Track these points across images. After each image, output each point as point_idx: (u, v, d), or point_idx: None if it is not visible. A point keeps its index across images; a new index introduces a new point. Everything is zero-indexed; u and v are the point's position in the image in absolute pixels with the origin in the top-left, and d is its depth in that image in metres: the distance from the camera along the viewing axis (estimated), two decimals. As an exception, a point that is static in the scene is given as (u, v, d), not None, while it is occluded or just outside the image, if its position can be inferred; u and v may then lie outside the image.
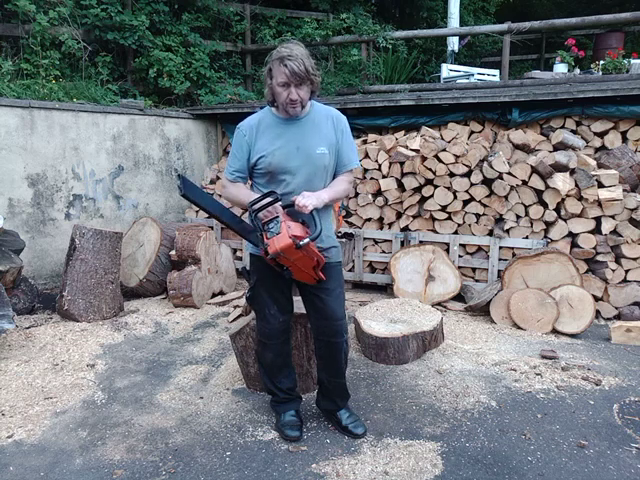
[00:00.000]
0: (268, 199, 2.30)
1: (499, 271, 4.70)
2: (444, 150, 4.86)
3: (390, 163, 5.13)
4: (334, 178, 2.55)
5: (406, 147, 5.18)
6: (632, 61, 6.54)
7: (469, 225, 4.86)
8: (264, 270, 2.54)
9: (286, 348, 2.75)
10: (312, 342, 2.95)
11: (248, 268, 2.68)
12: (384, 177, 5.15)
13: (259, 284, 2.59)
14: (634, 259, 4.39)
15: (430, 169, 4.86)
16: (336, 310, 2.56)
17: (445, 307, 4.72)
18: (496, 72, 7.67)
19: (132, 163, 5.83)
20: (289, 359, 2.80)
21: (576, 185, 4.50)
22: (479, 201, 4.79)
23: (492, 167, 4.65)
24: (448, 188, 4.85)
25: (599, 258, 4.46)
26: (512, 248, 4.72)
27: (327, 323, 2.57)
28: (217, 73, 7.47)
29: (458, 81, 7.40)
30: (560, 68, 7.19)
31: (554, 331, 4.09)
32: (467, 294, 4.76)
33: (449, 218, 4.94)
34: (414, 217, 5.10)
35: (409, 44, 8.93)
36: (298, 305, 2.79)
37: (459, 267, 4.84)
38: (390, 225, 5.22)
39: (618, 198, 4.36)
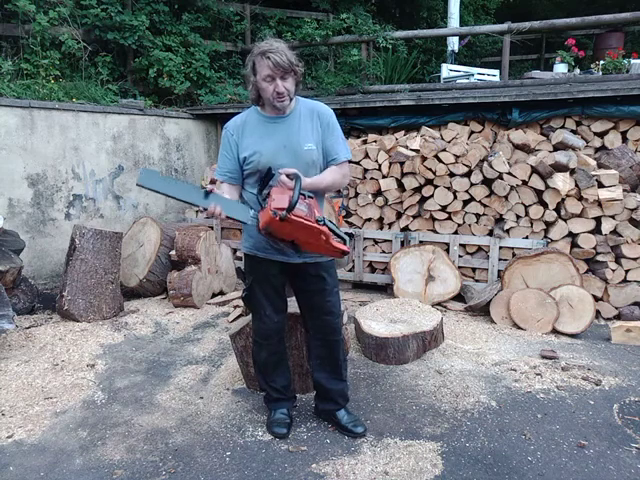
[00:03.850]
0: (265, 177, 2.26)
1: (499, 271, 4.69)
2: (444, 150, 4.86)
3: (390, 163, 5.12)
4: None
5: (406, 147, 5.18)
6: (632, 61, 6.54)
7: (469, 225, 4.86)
8: (258, 270, 2.56)
9: (280, 347, 2.75)
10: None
11: (243, 269, 2.68)
12: (384, 177, 5.15)
13: (254, 284, 2.60)
14: (634, 259, 4.39)
15: (430, 169, 4.86)
16: (334, 307, 2.59)
17: (445, 307, 4.72)
18: (496, 72, 7.66)
19: (132, 163, 5.83)
20: (284, 357, 2.80)
21: (576, 185, 4.50)
22: (479, 201, 4.79)
23: (492, 167, 4.65)
24: (448, 188, 4.85)
25: (599, 258, 4.46)
26: (512, 248, 4.71)
27: (326, 320, 2.59)
28: (217, 73, 7.47)
29: (458, 81, 7.40)
30: (560, 68, 7.19)
31: (554, 331, 4.09)
32: (467, 294, 4.76)
33: (449, 218, 4.93)
34: (414, 217, 5.09)
35: (409, 44, 8.93)
36: (295, 305, 2.79)
37: (459, 267, 4.84)
38: (390, 225, 5.22)
39: (618, 198, 4.36)
